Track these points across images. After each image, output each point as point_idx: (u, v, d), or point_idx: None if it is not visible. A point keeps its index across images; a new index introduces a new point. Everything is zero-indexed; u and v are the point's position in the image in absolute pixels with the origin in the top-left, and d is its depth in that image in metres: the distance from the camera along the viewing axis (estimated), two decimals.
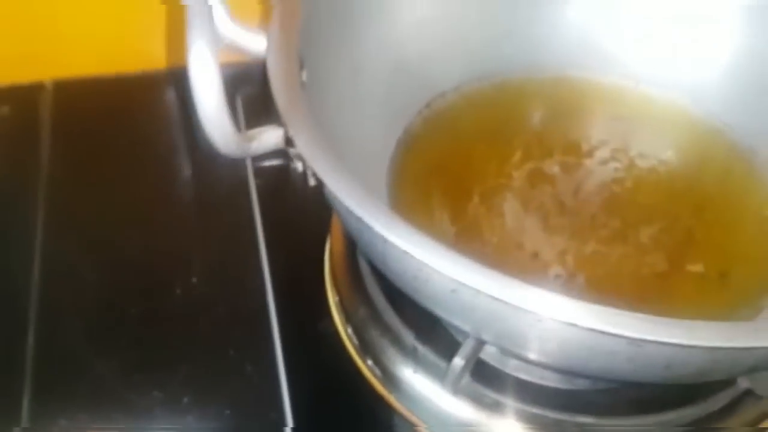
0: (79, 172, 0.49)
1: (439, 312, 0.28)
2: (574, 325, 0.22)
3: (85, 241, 0.45)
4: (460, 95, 0.43)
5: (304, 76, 0.33)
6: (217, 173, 0.50)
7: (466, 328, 0.29)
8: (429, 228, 0.36)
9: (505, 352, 0.32)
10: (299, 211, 0.45)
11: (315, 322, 0.40)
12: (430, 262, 0.23)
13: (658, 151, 0.41)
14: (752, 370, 0.28)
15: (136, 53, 0.55)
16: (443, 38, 0.43)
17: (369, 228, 0.25)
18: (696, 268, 0.35)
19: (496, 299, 0.23)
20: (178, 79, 0.56)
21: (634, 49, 0.43)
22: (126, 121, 0.53)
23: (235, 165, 0.49)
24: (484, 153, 0.40)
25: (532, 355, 0.27)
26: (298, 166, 0.30)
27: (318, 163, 0.27)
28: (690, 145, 0.41)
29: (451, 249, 0.24)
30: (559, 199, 0.38)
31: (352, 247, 0.39)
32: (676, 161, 0.40)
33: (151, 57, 0.55)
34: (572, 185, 0.39)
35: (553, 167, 0.40)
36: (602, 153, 0.40)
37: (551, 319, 0.22)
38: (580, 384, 0.34)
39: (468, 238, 0.36)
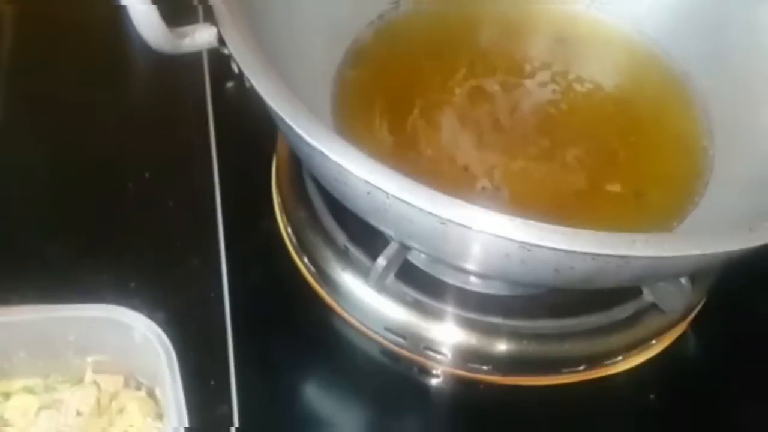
0: (41, 61, 0.49)
1: (362, 214, 0.30)
2: (468, 227, 0.24)
3: (42, 132, 0.46)
4: (413, 8, 0.44)
5: None
6: (176, 75, 0.51)
7: (388, 231, 0.31)
8: (368, 137, 0.38)
9: (423, 253, 0.34)
10: (252, 116, 0.47)
11: (258, 221, 0.42)
12: (344, 164, 0.25)
13: (597, 75, 0.42)
14: (639, 281, 0.30)
15: None
16: None
17: (290, 128, 0.26)
18: (614, 187, 0.37)
19: (403, 201, 0.25)
20: None
21: None
22: (87, 17, 0.53)
23: (194, 68, 0.50)
24: (430, 67, 0.42)
25: (442, 256, 0.29)
26: (234, 66, 0.31)
27: (246, 63, 0.28)
28: (628, 69, 0.43)
29: (366, 154, 0.25)
30: (495, 116, 0.40)
31: (295, 152, 0.41)
32: (613, 85, 0.42)
33: None
34: (510, 104, 0.40)
35: (494, 86, 0.41)
36: (543, 75, 0.42)
37: (451, 222, 0.24)
38: (500, 289, 0.37)
39: (404, 148, 0.38)
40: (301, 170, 0.40)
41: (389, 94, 0.40)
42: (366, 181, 0.25)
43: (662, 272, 0.28)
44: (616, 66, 0.43)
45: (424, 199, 0.25)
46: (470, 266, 0.29)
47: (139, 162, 0.45)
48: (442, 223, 0.26)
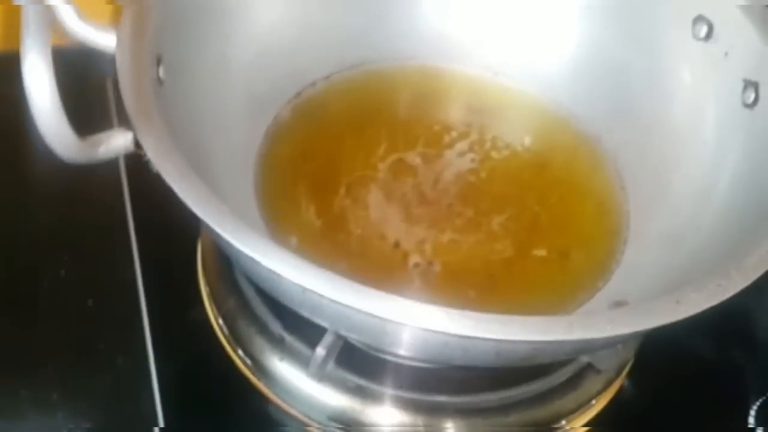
0: None
1: (297, 310, 0.29)
2: (404, 324, 0.24)
3: None
4: (330, 84, 0.44)
5: (162, 72, 0.33)
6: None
7: (324, 324, 0.30)
8: (296, 221, 0.37)
9: (361, 344, 0.34)
10: (171, 203, 0.45)
11: (186, 313, 0.40)
12: (277, 269, 0.25)
13: (511, 141, 0.43)
14: (575, 354, 0.31)
15: None
16: (311, 28, 0.43)
17: (218, 235, 0.26)
18: (540, 252, 0.38)
19: (338, 303, 0.24)
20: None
21: (490, 42, 0.46)
22: None
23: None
24: (351, 144, 0.42)
25: (381, 347, 0.29)
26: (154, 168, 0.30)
27: (166, 171, 0.27)
28: (540, 133, 0.44)
29: (295, 254, 0.25)
30: (419, 189, 0.40)
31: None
32: (527, 151, 0.43)
33: None
34: (432, 176, 0.41)
35: (415, 158, 0.42)
36: (461, 145, 0.43)
37: (385, 319, 0.24)
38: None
39: (333, 230, 0.37)
40: (227, 258, 0.39)
41: (313, 174, 0.40)
42: (300, 285, 0.25)
43: (599, 345, 0.28)
44: (529, 131, 0.44)
45: (360, 299, 0.24)
46: (409, 354, 0.29)
47: (53, 259, 0.43)
48: (380, 320, 0.25)
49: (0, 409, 0.36)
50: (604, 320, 0.24)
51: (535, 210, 0.40)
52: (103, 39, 0.31)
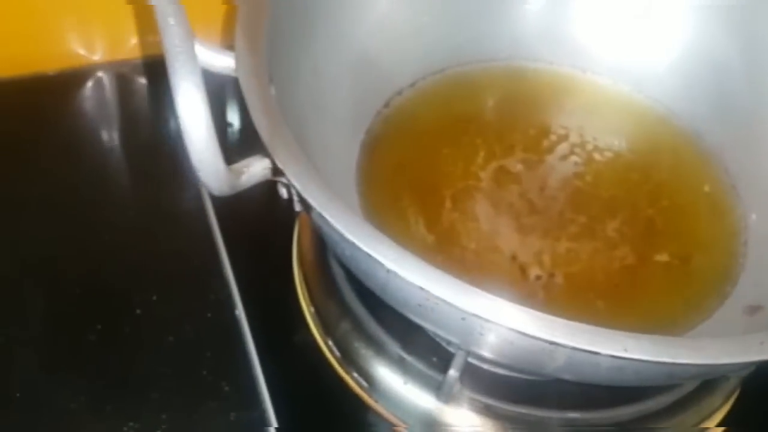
0: (6, 180, 0.45)
1: (446, 336, 0.28)
2: (574, 348, 0.23)
3: (29, 263, 0.42)
4: (417, 91, 0.43)
5: (273, 90, 0.32)
6: (162, 178, 0.48)
7: (468, 348, 0.29)
8: (408, 238, 0.36)
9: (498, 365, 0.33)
10: (258, 217, 0.44)
11: (290, 335, 0.39)
12: (440, 293, 0.23)
13: (612, 142, 0.42)
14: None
15: (53, 52, 0.51)
16: (397, 35, 0.42)
17: (369, 257, 0.24)
18: (661, 257, 0.37)
19: (510, 329, 0.23)
20: (97, 76, 0.53)
21: (576, 38, 0.44)
22: (50, 123, 0.50)
23: (180, 165, 0.47)
24: (447, 153, 0.40)
25: (526, 368, 0.28)
26: (283, 192, 0.29)
27: (312, 195, 0.26)
28: (640, 133, 0.43)
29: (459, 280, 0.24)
30: (526, 197, 0.39)
31: (323, 256, 0.39)
32: (630, 152, 0.42)
33: (67, 55, 0.52)
34: (537, 182, 0.39)
35: (516, 165, 0.40)
36: (562, 148, 0.41)
37: (557, 344, 0.23)
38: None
39: (447, 244, 0.36)
40: (332, 276, 0.38)
41: (415, 186, 0.39)
42: (465, 311, 0.24)
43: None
44: (628, 131, 0.43)
45: (543, 330, 0.23)
46: (569, 377, 0.27)
47: (141, 282, 0.41)
48: (551, 345, 0.24)
49: None
50: None
51: (648, 213, 0.38)
52: (221, 62, 0.29)
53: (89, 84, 0.52)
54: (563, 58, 0.45)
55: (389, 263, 0.24)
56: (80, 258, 0.42)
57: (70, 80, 0.52)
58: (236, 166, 0.26)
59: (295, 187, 0.26)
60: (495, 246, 0.36)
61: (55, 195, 0.44)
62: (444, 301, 0.24)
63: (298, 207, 0.29)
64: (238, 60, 0.29)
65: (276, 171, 0.27)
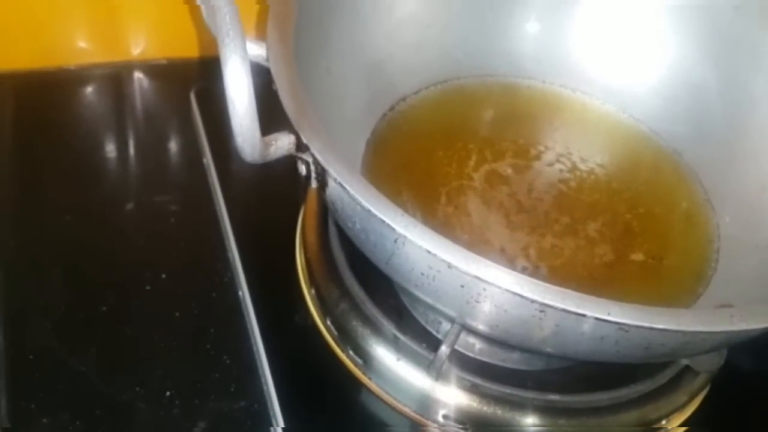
0: (27, 171, 0.48)
1: (441, 305, 0.30)
2: (579, 314, 0.26)
3: (48, 240, 0.44)
4: (420, 98, 0.46)
5: None
6: (173, 166, 0.51)
7: (463, 319, 0.32)
8: None
9: (490, 337, 0.35)
10: (264, 201, 0.47)
11: (291, 314, 0.41)
12: (446, 257, 0.26)
13: (596, 154, 0.45)
14: (713, 349, 0.32)
15: (74, 47, 0.54)
16: (405, 46, 0.45)
17: (382, 223, 0.27)
18: (637, 256, 0.40)
19: (513, 293, 0.26)
20: (117, 73, 0.56)
21: (567, 59, 0.48)
22: (69, 116, 0.53)
23: (192, 157, 0.50)
24: (443, 155, 0.44)
25: (524, 343, 0.31)
26: (302, 169, 0.32)
27: (333, 167, 0.29)
28: (623, 148, 0.47)
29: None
30: (515, 197, 0.42)
31: (326, 240, 0.41)
32: (612, 164, 0.45)
33: (88, 51, 0.55)
34: (525, 185, 0.43)
35: (507, 169, 0.44)
36: (549, 156, 0.45)
37: (562, 310, 0.26)
38: (537, 365, 0.38)
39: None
40: (333, 259, 0.40)
41: (413, 182, 0.42)
42: (468, 273, 0.27)
43: (738, 339, 0.30)
44: (611, 146, 0.47)
45: (537, 293, 0.26)
46: (552, 350, 0.30)
47: (152, 261, 0.44)
48: (541, 311, 0.27)
49: (116, 405, 0.37)
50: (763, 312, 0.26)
51: (627, 218, 0.42)
52: (254, 50, 0.32)
53: (106, 80, 0.55)
54: (555, 77, 0.49)
55: (400, 228, 0.27)
56: (96, 238, 0.45)
57: (89, 76, 0.55)
58: (267, 138, 0.29)
59: (317, 160, 0.29)
60: (486, 239, 0.39)
61: (73, 187, 0.47)
62: (449, 264, 0.27)
63: (314, 183, 0.31)
64: (270, 49, 0.32)
65: (299, 146, 0.30)
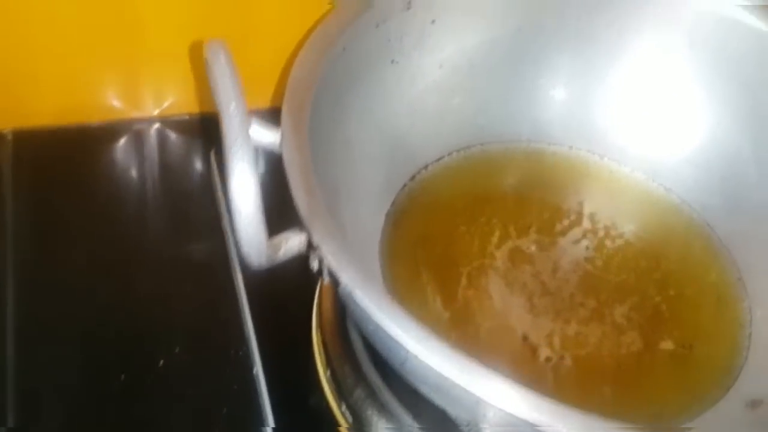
0: (46, 229, 0.48)
1: (458, 413, 0.29)
2: None
3: (64, 304, 0.44)
4: (442, 166, 0.45)
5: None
6: (193, 233, 0.50)
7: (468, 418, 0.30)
8: (426, 314, 0.38)
9: None
10: (282, 278, 0.46)
11: (306, 397, 0.40)
12: (459, 381, 0.25)
13: (623, 229, 0.44)
14: None
15: (97, 104, 0.54)
16: (427, 115, 0.44)
17: (391, 338, 0.26)
18: (667, 345, 0.38)
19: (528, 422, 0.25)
20: (138, 130, 0.56)
21: (603, 127, 0.47)
22: (90, 173, 0.53)
23: (210, 220, 0.49)
24: (465, 231, 0.42)
25: None
26: (314, 265, 0.31)
27: (345, 272, 0.28)
28: (652, 221, 0.45)
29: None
30: (539, 278, 0.40)
31: (343, 323, 0.40)
32: (640, 240, 0.43)
33: (111, 108, 0.55)
34: (550, 264, 0.41)
35: (530, 246, 0.42)
36: (575, 233, 0.43)
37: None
38: None
39: (462, 322, 0.38)
40: (350, 342, 0.39)
41: (434, 261, 0.41)
42: (482, 399, 0.25)
43: None
44: (640, 218, 0.45)
45: (549, 416, 0.24)
46: None
47: (166, 334, 0.43)
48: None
49: None
50: None
51: (656, 300, 0.40)
52: (267, 137, 0.32)
53: (128, 137, 0.55)
54: (582, 143, 0.47)
55: (411, 347, 0.26)
56: (111, 303, 0.44)
57: (111, 132, 0.55)
58: (275, 240, 0.28)
59: (329, 264, 0.28)
60: (508, 325, 0.38)
61: (90, 246, 0.47)
62: (461, 387, 0.25)
63: (327, 279, 0.30)
64: (283, 137, 0.31)
65: (311, 245, 0.29)
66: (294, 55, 0.37)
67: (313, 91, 0.34)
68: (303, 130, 0.33)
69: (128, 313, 0.44)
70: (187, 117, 0.57)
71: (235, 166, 0.24)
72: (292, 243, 0.28)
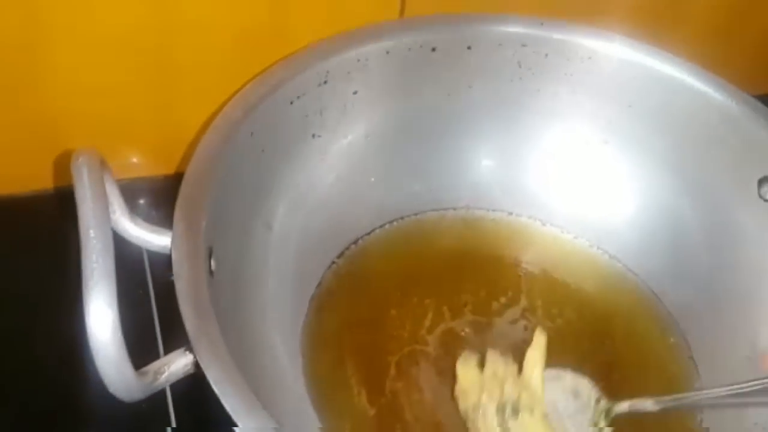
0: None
1: None
2: None
3: None
4: (373, 239, 0.43)
5: (213, 264, 0.31)
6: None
7: None
8: (347, 407, 0.35)
9: None
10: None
11: None
12: None
13: (564, 306, 0.41)
14: None
15: (22, 175, 0.51)
16: (357, 184, 0.42)
17: None
18: None
19: None
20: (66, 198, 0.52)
21: (542, 193, 0.45)
22: (19, 244, 0.49)
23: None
24: (396, 313, 0.40)
25: None
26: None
27: (229, 402, 0.25)
28: (596, 293, 0.42)
29: None
30: None
31: None
32: (582, 318, 0.41)
33: (37, 178, 0.51)
34: (485, 349, 0.39)
35: (465, 328, 0.40)
36: (512, 313, 0.41)
37: None
38: None
39: (388, 419, 0.35)
40: None
41: (360, 349, 0.38)
42: None
43: None
44: (582, 291, 0.43)
45: None
46: None
47: None
48: None
49: None
50: None
51: (599, 386, 0.37)
52: (158, 240, 0.29)
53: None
54: (522, 208, 0.45)
55: None
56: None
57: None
58: (155, 365, 0.25)
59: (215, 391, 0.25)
60: (437, 422, 0.35)
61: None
62: None
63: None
64: (174, 244, 0.29)
65: (199, 369, 0.26)
66: (210, 120, 0.34)
67: (212, 186, 0.31)
68: (199, 229, 0.30)
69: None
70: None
71: (91, 303, 0.21)
72: (177, 365, 0.26)
